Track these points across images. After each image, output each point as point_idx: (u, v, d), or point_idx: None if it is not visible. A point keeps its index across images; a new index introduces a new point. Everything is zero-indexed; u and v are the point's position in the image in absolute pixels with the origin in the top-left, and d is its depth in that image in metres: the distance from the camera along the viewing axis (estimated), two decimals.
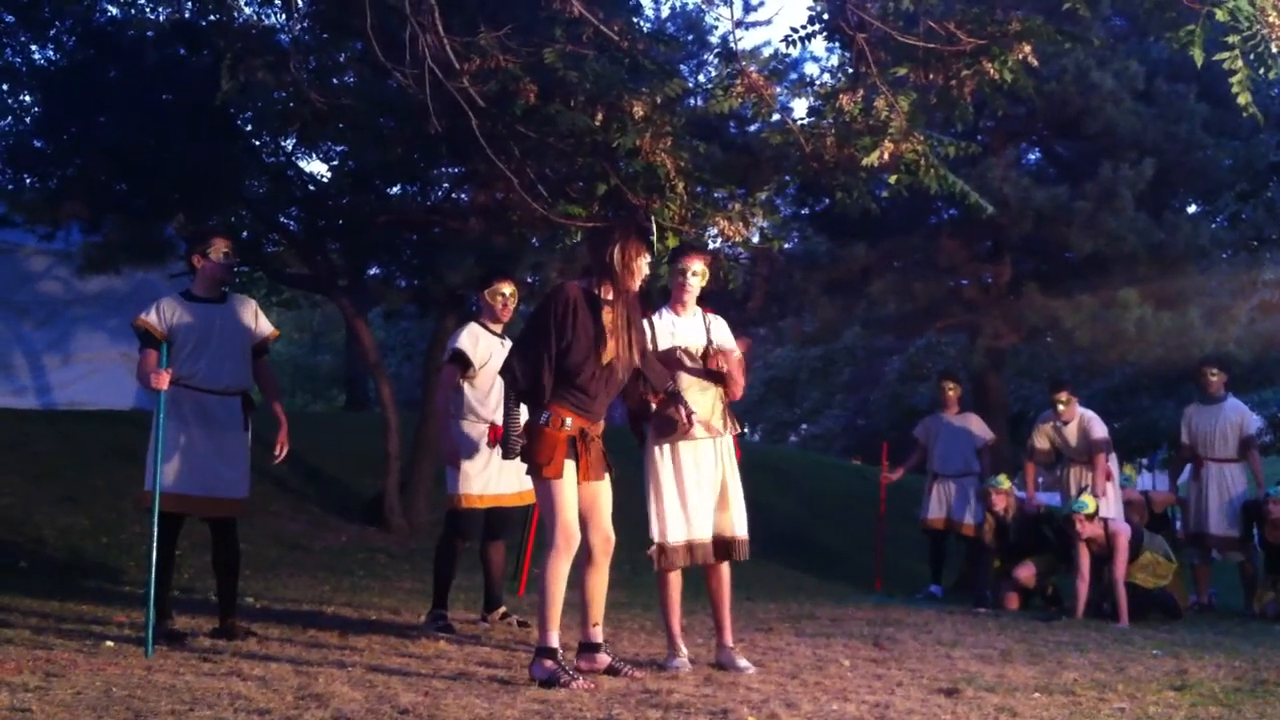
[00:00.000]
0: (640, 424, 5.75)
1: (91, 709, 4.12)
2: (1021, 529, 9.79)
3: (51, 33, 12.38)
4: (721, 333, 5.86)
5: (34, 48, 13.09)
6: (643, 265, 5.27)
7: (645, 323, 5.61)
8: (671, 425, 5.56)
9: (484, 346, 6.84)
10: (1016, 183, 12.38)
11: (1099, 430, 9.71)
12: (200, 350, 6.05)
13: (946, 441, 10.87)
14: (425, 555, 8.34)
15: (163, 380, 5.83)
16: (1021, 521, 9.82)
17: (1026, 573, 9.51)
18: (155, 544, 5.73)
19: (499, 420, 6.69)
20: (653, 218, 5.83)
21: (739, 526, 5.71)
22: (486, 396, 6.82)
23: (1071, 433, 9.78)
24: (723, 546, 5.70)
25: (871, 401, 27.49)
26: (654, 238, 5.43)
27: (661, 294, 7.10)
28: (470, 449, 6.80)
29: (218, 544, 6.22)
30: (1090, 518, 8.86)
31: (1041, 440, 9.98)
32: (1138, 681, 5.46)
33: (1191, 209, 16.27)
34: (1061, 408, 9.78)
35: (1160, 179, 12.80)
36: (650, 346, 5.56)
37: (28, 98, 12.26)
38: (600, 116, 7.24)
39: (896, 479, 11.36)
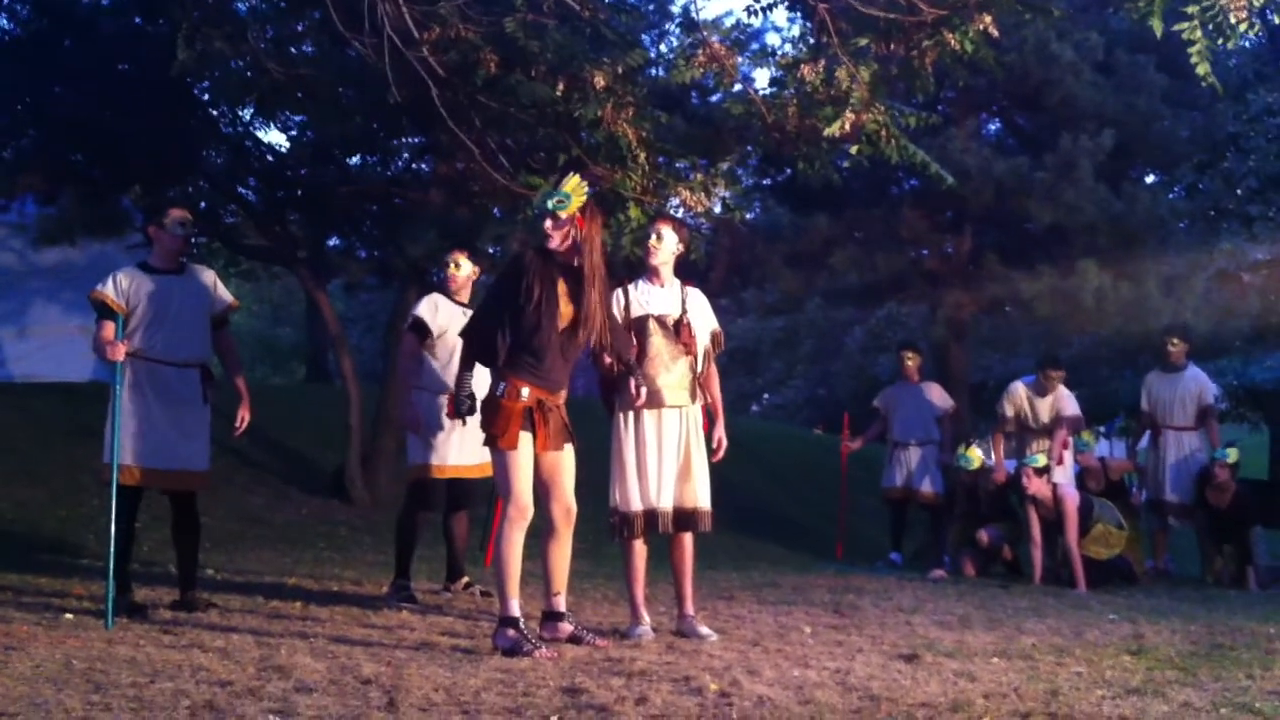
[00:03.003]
0: (610, 394, 5.75)
1: (51, 682, 4.11)
2: (990, 497, 9.86)
3: (5, 2, 12.19)
4: (698, 306, 5.87)
5: None
6: (604, 232, 5.27)
7: (619, 291, 5.62)
8: (627, 397, 5.58)
9: (444, 316, 6.81)
10: (977, 154, 12.46)
11: (1071, 407, 9.76)
12: (158, 322, 5.98)
13: (907, 411, 10.92)
14: (387, 527, 8.33)
15: (119, 352, 5.78)
16: (991, 490, 9.88)
17: (988, 536, 9.59)
18: (114, 517, 5.70)
19: None
20: (615, 185, 5.82)
21: (701, 498, 5.72)
22: (447, 367, 6.79)
23: (1044, 406, 9.80)
24: (684, 517, 5.71)
25: (833, 372, 27.63)
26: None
27: (625, 265, 7.11)
28: (432, 420, 6.78)
29: (178, 517, 6.18)
30: (1040, 473, 8.96)
31: (1009, 407, 9.97)
32: (1095, 646, 5.53)
33: (1150, 180, 16.43)
34: (1050, 381, 9.78)
35: (1119, 150, 12.91)
36: (621, 315, 5.56)
37: None
38: (562, 87, 7.21)
39: (858, 448, 11.40)
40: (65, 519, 9.21)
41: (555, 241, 5.17)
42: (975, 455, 9.89)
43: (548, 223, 5.16)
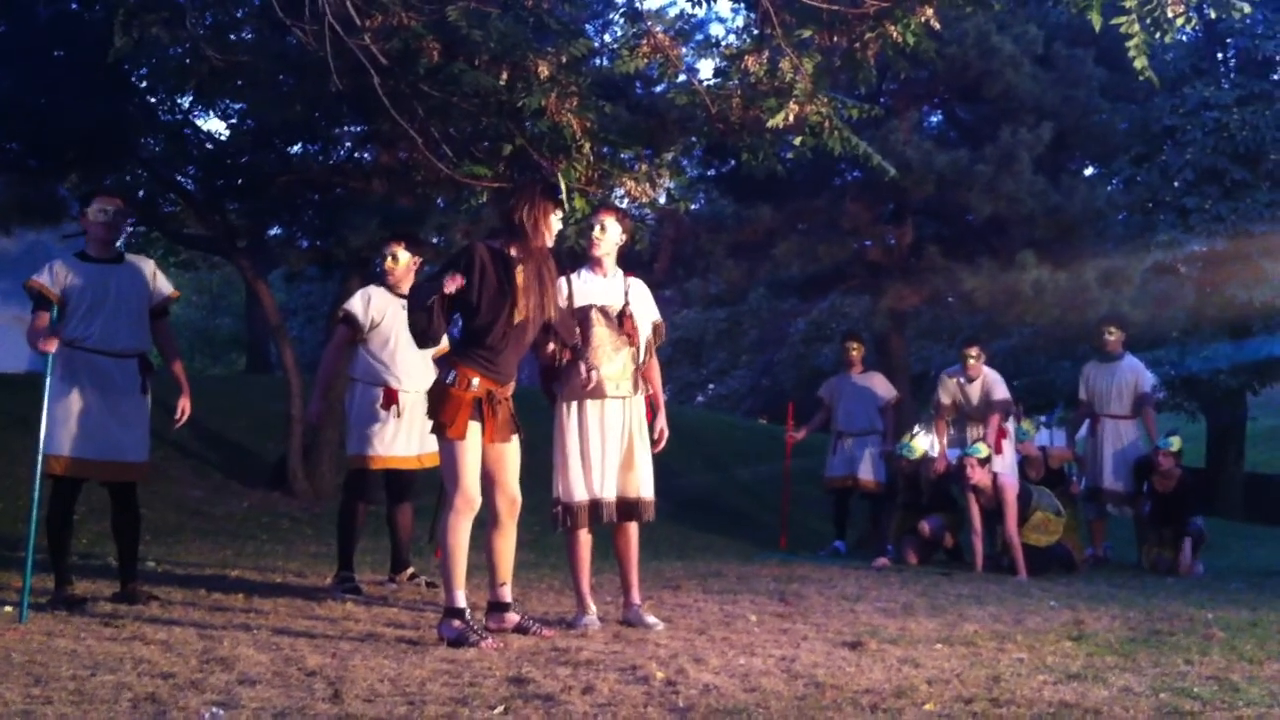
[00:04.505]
0: (551, 383, 5.75)
1: None
2: (932, 486, 9.95)
3: None
4: (640, 297, 5.87)
5: None
6: (553, 223, 5.26)
7: (563, 281, 5.60)
8: (580, 381, 5.58)
9: (376, 308, 6.77)
10: (919, 146, 12.52)
11: (1000, 391, 9.88)
12: (95, 312, 5.90)
13: (851, 400, 11.00)
14: (330, 519, 8.27)
15: (51, 344, 5.69)
16: (933, 479, 9.97)
17: (929, 526, 9.68)
18: (35, 508, 5.62)
19: (394, 384, 6.68)
20: (559, 175, 5.80)
21: (645, 488, 5.74)
22: (382, 359, 6.76)
23: (974, 391, 9.94)
24: (628, 507, 5.72)
25: (777, 362, 27.78)
26: (562, 196, 5.41)
27: (569, 255, 7.09)
28: (368, 411, 6.75)
29: (117, 508, 6.11)
30: (982, 463, 9.07)
31: (945, 395, 10.11)
32: (1036, 633, 5.60)
33: (1088, 172, 16.61)
34: (971, 362, 9.91)
35: (1058, 142, 13.04)
36: (565, 304, 5.56)
37: None
38: (505, 76, 7.17)
39: (802, 438, 11.48)
40: (1, 512, 9.07)
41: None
42: (917, 445, 9.98)
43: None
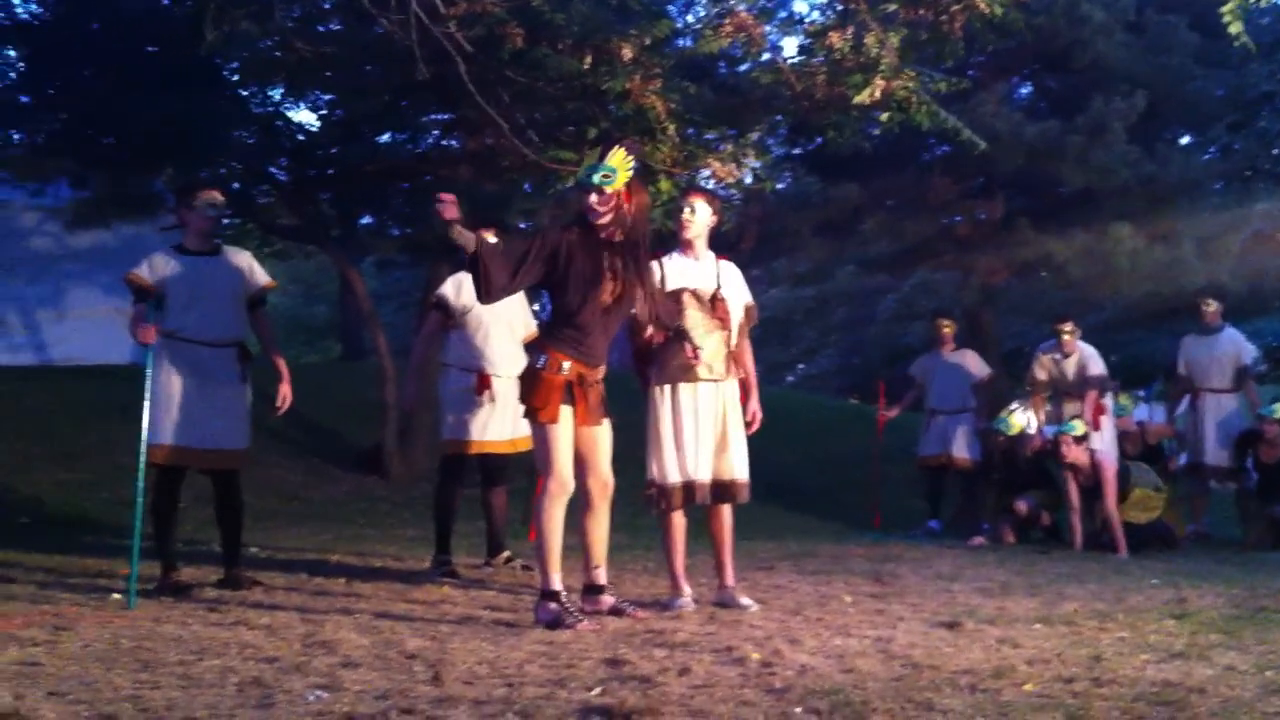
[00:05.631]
0: (645, 366, 5.75)
1: (100, 660, 4.15)
2: (1028, 463, 9.83)
3: None
4: (732, 279, 5.85)
5: (16, 2, 12.97)
6: (644, 204, 5.24)
7: (655, 264, 5.59)
8: (675, 364, 5.58)
9: (467, 293, 6.82)
10: (1007, 118, 12.35)
11: (1096, 367, 9.72)
12: (192, 303, 6.01)
13: (943, 378, 10.91)
14: (426, 503, 8.38)
15: (149, 335, 5.81)
16: (1029, 456, 9.85)
17: (1025, 505, 9.56)
18: (140, 497, 5.73)
19: (486, 369, 6.74)
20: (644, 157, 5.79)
21: (739, 470, 5.73)
22: (474, 344, 6.82)
23: (1070, 366, 9.79)
24: (722, 489, 5.71)
25: (866, 340, 27.53)
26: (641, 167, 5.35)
27: (656, 238, 7.10)
28: (461, 396, 6.82)
29: (220, 496, 6.23)
30: (1078, 440, 8.93)
31: (1040, 372, 9.98)
32: (1137, 611, 5.51)
33: (1183, 141, 16.24)
34: (1065, 338, 9.78)
35: (1151, 111, 12.76)
36: (658, 287, 5.55)
37: (12, 52, 12.14)
38: (589, 59, 7.21)
39: (893, 416, 11.40)
40: (107, 500, 9.31)
41: (602, 216, 5.13)
42: (1015, 421, 9.84)
43: (593, 197, 5.10)
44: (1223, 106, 15.15)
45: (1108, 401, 9.63)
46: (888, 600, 5.87)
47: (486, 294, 5.05)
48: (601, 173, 5.05)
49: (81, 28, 10.46)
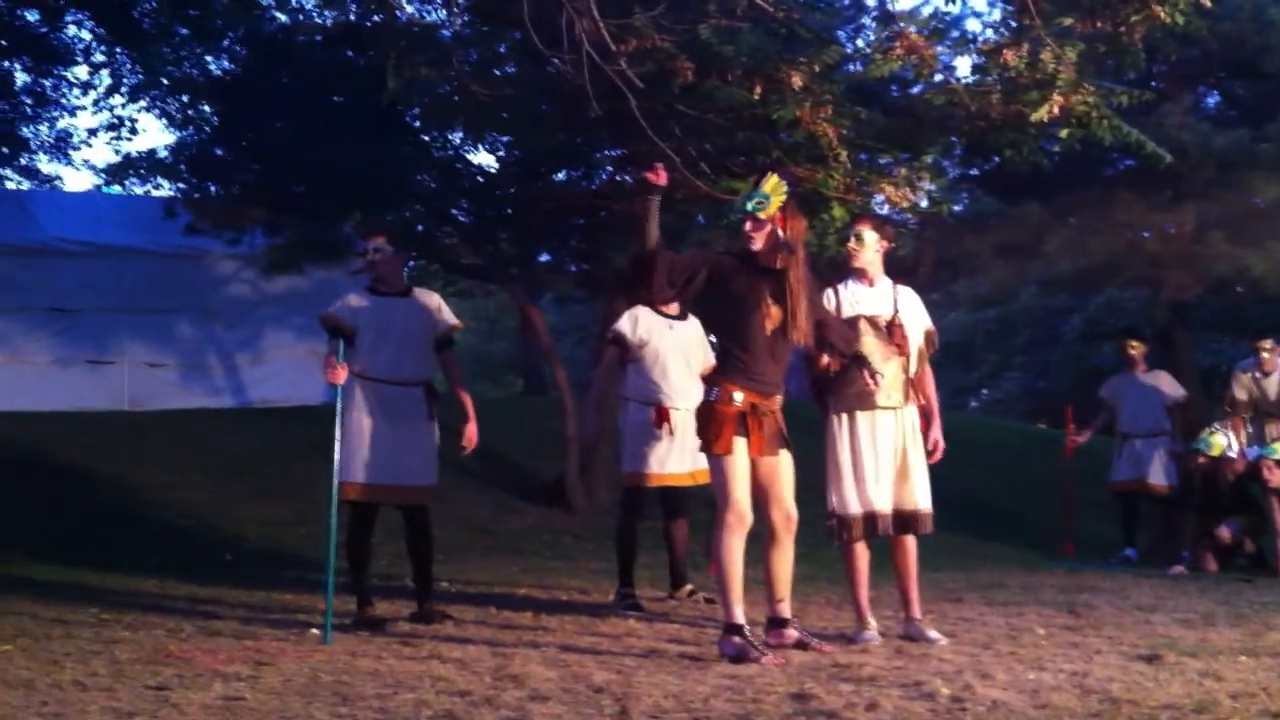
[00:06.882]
0: (823, 394, 5.71)
1: (300, 695, 4.29)
2: (1230, 487, 9.44)
3: (224, 43, 12.88)
4: (910, 305, 5.79)
5: (209, 59, 13.65)
6: (803, 230, 5.24)
7: (829, 291, 5.58)
8: (852, 391, 5.53)
9: (645, 327, 6.89)
10: (1195, 128, 11.95)
11: None
12: (381, 343, 6.20)
13: (1135, 401, 10.56)
14: (608, 535, 8.44)
15: (339, 375, 6.00)
16: (1231, 480, 9.45)
17: (1228, 531, 9.18)
18: (332, 533, 5.88)
19: (665, 402, 6.78)
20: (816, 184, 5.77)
21: (922, 499, 5.64)
22: (652, 378, 6.87)
23: (1271, 385, 9.40)
24: (904, 520, 5.63)
25: (1052, 362, 26.79)
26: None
27: (829, 265, 7.06)
28: (641, 430, 6.87)
29: (410, 530, 6.38)
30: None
31: (1240, 391, 9.60)
32: None
33: None
34: (1265, 355, 9.41)
35: None
36: (831, 313, 5.52)
37: (206, 108, 12.77)
38: (758, 89, 7.21)
39: (1084, 441, 11.06)
40: (305, 536, 9.62)
41: (756, 243, 5.16)
42: (1217, 441, 9.45)
43: (747, 225, 5.16)
44: None
45: None
46: (1083, 632, 5.70)
47: (649, 288, 5.16)
48: (755, 199, 5.11)
49: (271, 82, 10.93)
